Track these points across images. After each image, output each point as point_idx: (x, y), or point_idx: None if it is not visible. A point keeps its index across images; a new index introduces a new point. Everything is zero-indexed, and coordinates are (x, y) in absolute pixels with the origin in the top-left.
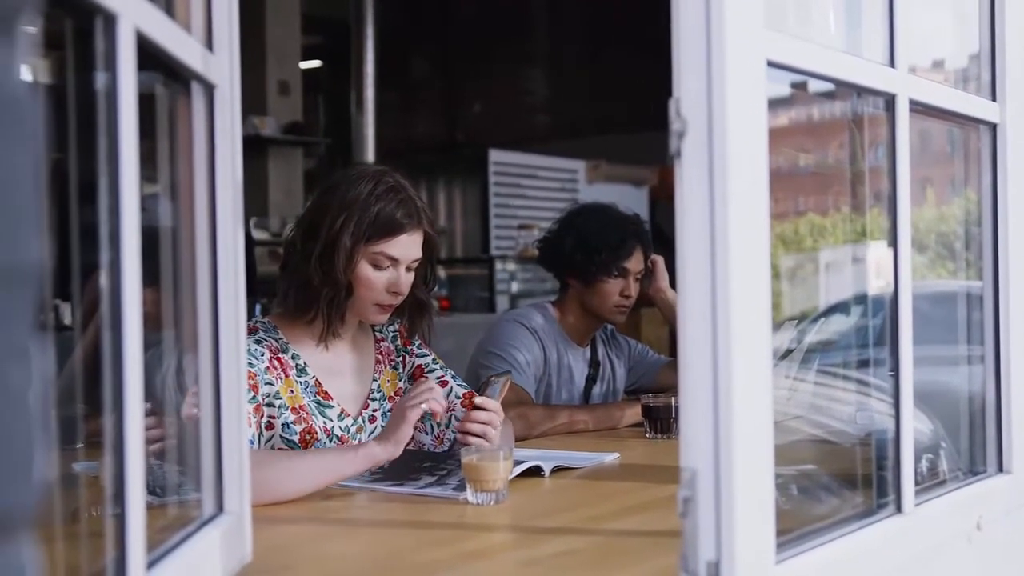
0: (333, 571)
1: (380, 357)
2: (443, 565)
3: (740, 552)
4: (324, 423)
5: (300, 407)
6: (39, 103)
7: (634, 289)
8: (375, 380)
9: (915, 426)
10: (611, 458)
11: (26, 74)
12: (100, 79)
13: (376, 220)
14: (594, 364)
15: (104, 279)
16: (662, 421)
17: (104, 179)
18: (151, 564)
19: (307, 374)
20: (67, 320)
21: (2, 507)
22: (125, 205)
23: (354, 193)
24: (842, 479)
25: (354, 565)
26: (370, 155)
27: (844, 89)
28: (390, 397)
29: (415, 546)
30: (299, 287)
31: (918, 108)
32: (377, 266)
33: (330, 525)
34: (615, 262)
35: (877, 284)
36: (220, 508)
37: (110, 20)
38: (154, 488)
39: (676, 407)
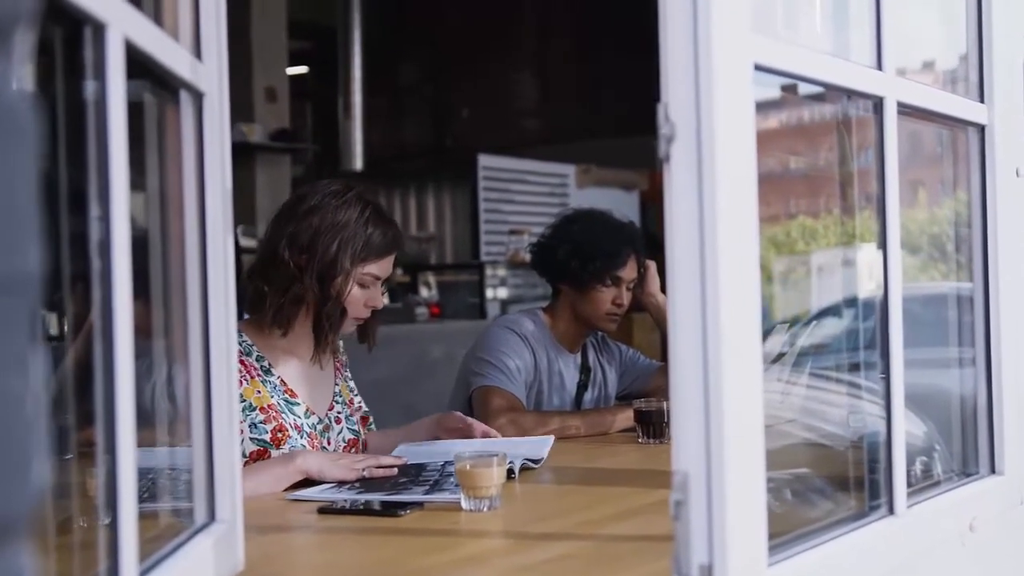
0: None
1: (338, 366)
2: (437, 572)
3: (732, 555)
4: (294, 420)
5: (269, 406)
6: (35, 111)
7: (626, 298)
8: (336, 385)
9: (909, 429)
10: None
11: (23, 82)
12: (89, 87)
13: (370, 243)
14: (585, 370)
15: (95, 289)
16: (654, 426)
17: (94, 188)
18: (144, 573)
19: (273, 375)
20: (53, 331)
21: (1, 513)
22: (115, 214)
23: (344, 216)
24: (834, 481)
25: (346, 573)
26: (358, 161)
27: (833, 92)
28: (348, 403)
29: (408, 553)
30: (291, 303)
31: (906, 110)
32: (363, 285)
33: (322, 534)
34: (609, 271)
35: (869, 287)
36: (212, 516)
37: (99, 29)
38: (143, 495)
39: (668, 411)
